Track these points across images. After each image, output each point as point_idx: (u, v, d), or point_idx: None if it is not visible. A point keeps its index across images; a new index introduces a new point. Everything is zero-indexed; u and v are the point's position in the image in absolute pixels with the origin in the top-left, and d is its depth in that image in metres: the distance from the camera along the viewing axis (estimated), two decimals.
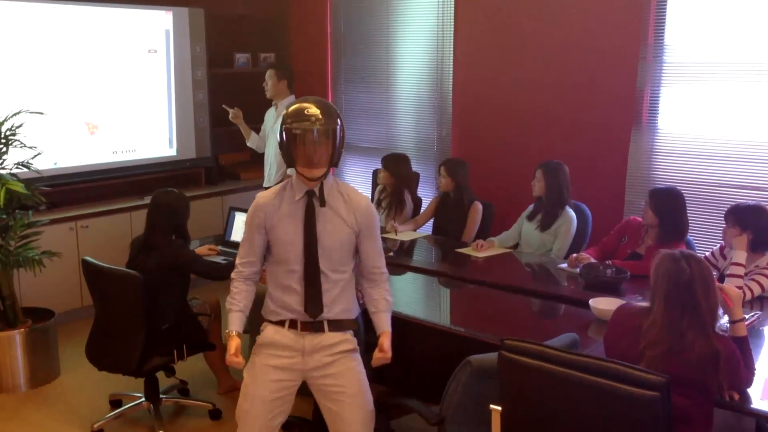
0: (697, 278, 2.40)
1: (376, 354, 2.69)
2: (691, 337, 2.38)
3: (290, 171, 2.76)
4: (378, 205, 5.16)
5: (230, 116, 5.50)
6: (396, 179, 5.09)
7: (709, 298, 2.41)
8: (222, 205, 6.10)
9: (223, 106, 5.55)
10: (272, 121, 5.42)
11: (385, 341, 2.70)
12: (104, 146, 5.62)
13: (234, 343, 2.67)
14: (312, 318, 2.66)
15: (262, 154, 5.60)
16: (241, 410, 2.72)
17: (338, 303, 2.69)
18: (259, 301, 2.81)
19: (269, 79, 5.38)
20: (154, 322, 3.65)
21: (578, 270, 3.89)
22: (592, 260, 3.97)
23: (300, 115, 2.56)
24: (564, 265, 4.07)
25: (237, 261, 2.77)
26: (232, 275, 2.77)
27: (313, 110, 2.56)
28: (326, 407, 2.73)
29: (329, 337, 2.69)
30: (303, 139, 2.54)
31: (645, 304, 2.62)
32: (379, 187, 5.26)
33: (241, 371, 2.77)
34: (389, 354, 2.70)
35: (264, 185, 5.42)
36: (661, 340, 2.40)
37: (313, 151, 2.55)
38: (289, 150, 2.59)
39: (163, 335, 3.70)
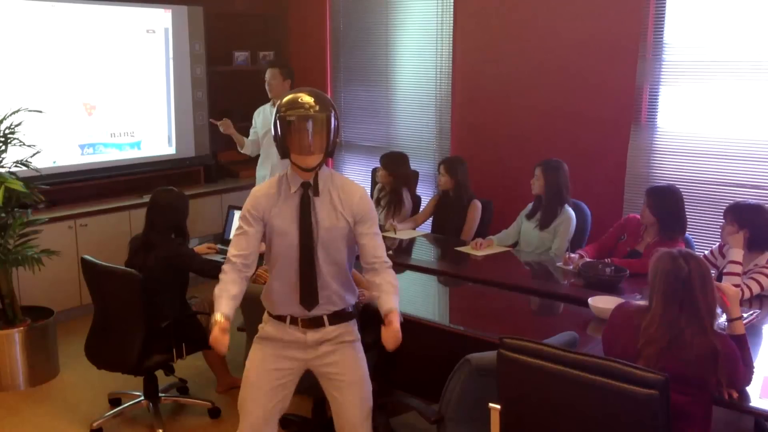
0: (695, 276, 2.41)
1: (384, 332, 2.56)
2: (689, 334, 2.38)
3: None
4: (377, 204, 5.15)
5: (221, 129, 5.29)
6: (394, 178, 5.09)
7: (707, 296, 2.42)
8: (221, 203, 6.10)
9: (210, 120, 5.38)
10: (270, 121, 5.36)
11: (391, 316, 2.57)
12: (103, 145, 5.62)
13: (221, 324, 2.54)
14: (307, 310, 2.66)
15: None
16: (243, 398, 2.74)
17: (336, 294, 2.69)
18: (255, 300, 2.81)
19: (272, 80, 5.20)
20: (154, 321, 3.65)
21: (570, 267, 3.90)
22: (587, 259, 3.97)
23: (294, 104, 2.56)
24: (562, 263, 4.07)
25: (230, 253, 2.68)
26: (223, 267, 2.69)
27: (307, 98, 2.56)
28: (329, 392, 2.77)
29: (330, 330, 2.71)
30: (297, 127, 2.54)
31: (643, 302, 2.62)
32: (378, 186, 5.26)
33: (240, 370, 2.77)
34: (397, 327, 2.54)
35: None
36: (659, 338, 2.41)
37: (307, 138, 2.54)
38: (283, 139, 2.58)
39: (162, 333, 3.69)
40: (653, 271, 2.49)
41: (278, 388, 2.72)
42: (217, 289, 2.66)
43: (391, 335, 2.54)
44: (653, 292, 2.48)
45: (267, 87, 5.28)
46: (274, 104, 5.38)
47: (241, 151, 5.52)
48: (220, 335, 2.53)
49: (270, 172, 5.36)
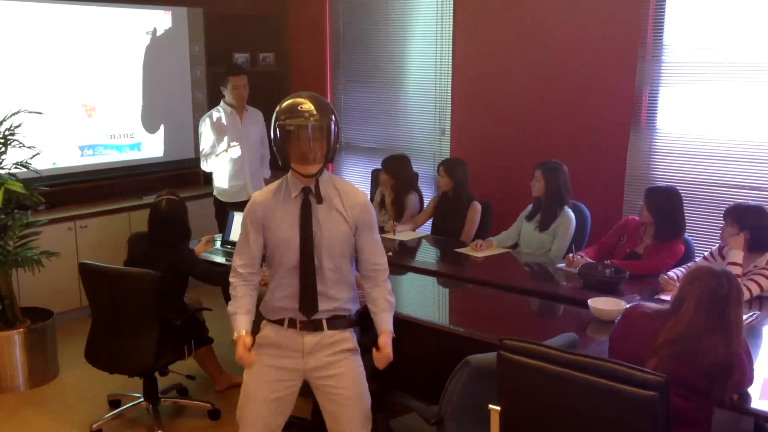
0: (733, 294, 2.44)
1: (375, 354, 2.66)
2: (710, 345, 2.38)
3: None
4: (380, 207, 5.16)
5: (232, 154, 5.06)
6: (396, 181, 5.09)
7: (738, 315, 2.45)
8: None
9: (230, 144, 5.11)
10: (239, 127, 5.19)
11: (384, 340, 2.65)
12: (103, 146, 5.62)
13: (248, 339, 2.61)
14: (307, 317, 2.65)
15: None
16: (242, 412, 2.71)
17: (337, 300, 2.68)
18: (258, 301, 2.81)
19: (245, 90, 5.19)
20: (165, 321, 3.66)
21: (576, 270, 3.89)
22: (588, 259, 3.98)
23: (294, 111, 2.53)
24: (562, 265, 4.07)
25: (235, 263, 2.72)
26: (232, 279, 2.72)
27: (307, 106, 2.53)
28: (325, 407, 2.74)
29: (328, 335, 2.68)
30: (297, 136, 2.52)
31: (660, 306, 2.63)
32: (378, 189, 5.26)
33: (235, 369, 2.76)
34: (388, 352, 2.63)
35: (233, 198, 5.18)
36: (679, 341, 2.41)
37: (308, 147, 2.52)
38: (283, 147, 2.56)
39: (172, 333, 3.71)
40: (690, 280, 2.50)
41: (278, 401, 2.70)
42: (230, 307, 2.69)
43: (383, 359, 2.63)
44: (685, 298, 2.47)
45: (242, 94, 5.15)
46: (238, 110, 5.20)
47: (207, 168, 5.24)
48: (245, 354, 2.58)
49: (247, 176, 5.22)
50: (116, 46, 5.62)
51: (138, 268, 3.62)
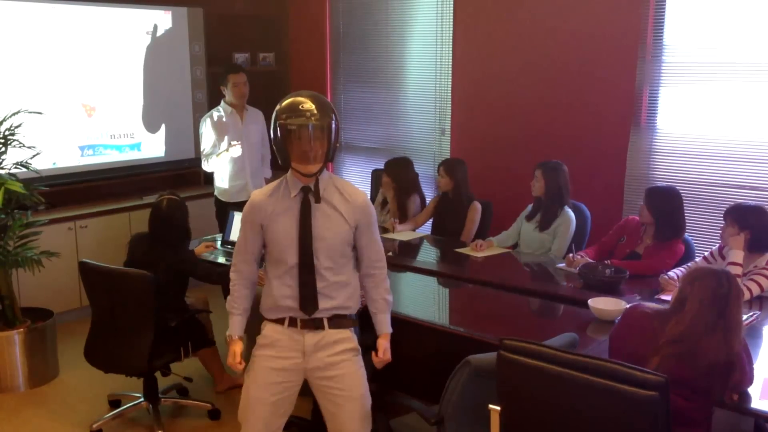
0: (733, 294, 2.45)
1: (375, 358, 2.72)
2: (711, 344, 2.38)
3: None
4: (382, 206, 5.16)
5: (232, 153, 5.04)
6: (397, 184, 5.08)
7: (738, 315, 2.46)
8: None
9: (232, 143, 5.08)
10: (240, 126, 5.18)
11: (384, 343, 2.74)
12: (103, 146, 5.62)
13: (238, 348, 2.72)
14: (308, 315, 2.65)
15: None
16: (244, 413, 2.72)
17: (337, 299, 2.68)
18: (258, 300, 2.82)
19: (245, 87, 5.19)
20: (162, 321, 3.66)
21: (576, 270, 3.89)
22: (588, 259, 3.98)
23: (295, 110, 2.53)
24: (562, 265, 4.07)
25: (234, 261, 2.76)
26: (231, 275, 2.77)
27: (308, 105, 2.53)
28: (325, 407, 2.75)
29: (330, 334, 2.68)
30: (298, 135, 2.52)
31: (660, 306, 2.63)
32: (380, 191, 5.25)
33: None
34: (388, 355, 2.74)
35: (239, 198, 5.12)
36: (680, 340, 2.41)
37: (309, 146, 2.53)
38: (283, 146, 2.57)
39: (170, 333, 3.71)
40: (690, 280, 2.50)
41: (279, 402, 2.70)
42: (228, 305, 2.78)
43: (381, 361, 2.75)
44: (688, 297, 2.47)
45: (242, 92, 5.15)
46: (238, 110, 5.21)
47: (209, 169, 5.24)
48: (234, 364, 2.72)
49: (249, 176, 5.21)
50: (116, 46, 5.62)
51: (135, 269, 3.62)
